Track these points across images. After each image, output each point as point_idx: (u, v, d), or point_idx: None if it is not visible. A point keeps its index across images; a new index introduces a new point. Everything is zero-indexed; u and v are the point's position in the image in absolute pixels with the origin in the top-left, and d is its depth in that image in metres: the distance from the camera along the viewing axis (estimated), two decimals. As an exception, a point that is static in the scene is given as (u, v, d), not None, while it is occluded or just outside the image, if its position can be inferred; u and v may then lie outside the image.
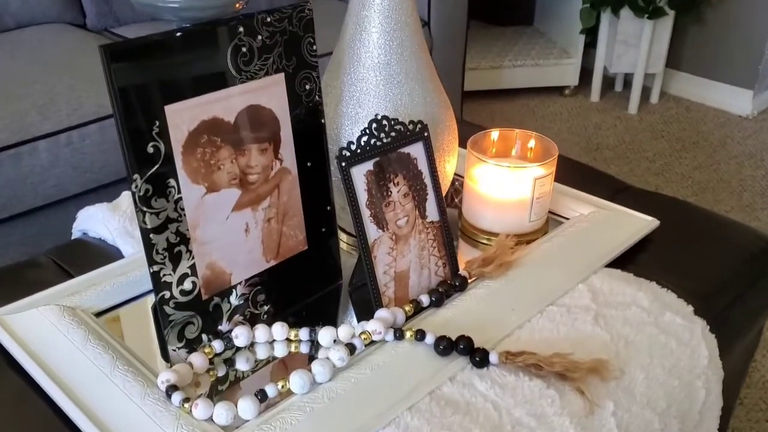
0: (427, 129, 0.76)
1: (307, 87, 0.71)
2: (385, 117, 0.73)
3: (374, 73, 0.77)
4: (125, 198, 0.93)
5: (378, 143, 0.72)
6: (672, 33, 2.43)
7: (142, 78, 0.57)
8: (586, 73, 2.65)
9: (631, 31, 2.40)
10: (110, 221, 0.89)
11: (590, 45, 2.57)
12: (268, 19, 0.65)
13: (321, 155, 0.74)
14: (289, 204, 0.72)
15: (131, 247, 0.85)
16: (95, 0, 1.69)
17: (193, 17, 0.62)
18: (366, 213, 0.71)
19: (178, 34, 0.59)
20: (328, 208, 0.76)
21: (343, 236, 0.87)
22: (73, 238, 0.93)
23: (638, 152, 2.25)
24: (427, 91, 0.79)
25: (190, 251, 0.64)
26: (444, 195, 0.79)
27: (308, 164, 0.73)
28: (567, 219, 0.91)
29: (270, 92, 0.68)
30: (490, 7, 2.97)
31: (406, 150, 0.74)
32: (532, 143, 0.89)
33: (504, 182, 0.84)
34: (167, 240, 0.63)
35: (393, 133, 0.73)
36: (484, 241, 0.87)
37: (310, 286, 0.77)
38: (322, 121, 0.73)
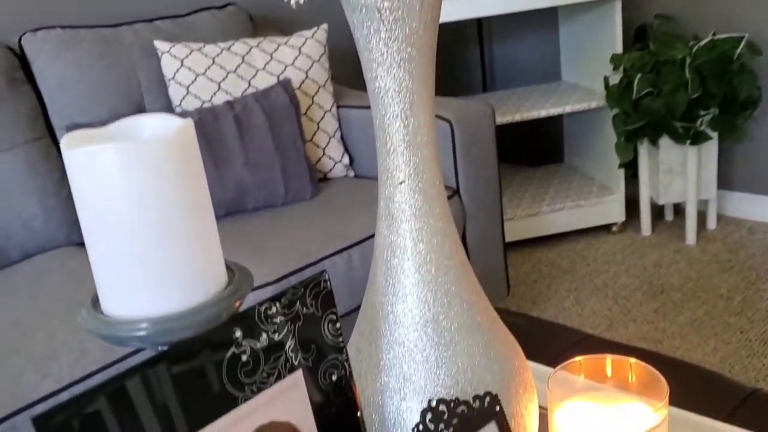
0: (497, 401, 0.57)
1: (334, 377, 0.53)
2: (441, 401, 0.54)
3: (417, 333, 0.59)
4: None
5: (438, 438, 0.54)
6: (719, 154, 2.27)
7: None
8: (631, 204, 2.48)
9: (674, 159, 2.25)
10: None
11: (632, 175, 2.41)
12: (273, 309, 0.49)
13: (362, 460, 0.55)
14: None
15: None
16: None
17: (170, 340, 0.45)
18: None
19: (145, 370, 0.42)
20: None
21: None
22: None
23: (709, 290, 2.02)
24: (489, 345, 0.61)
25: None
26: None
27: (346, 476, 0.54)
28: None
29: (285, 399, 0.50)
30: (515, 147, 2.86)
31: (475, 436, 0.55)
32: (631, 367, 0.69)
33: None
34: None
35: (455, 419, 0.55)
36: None
37: None
38: (359, 414, 0.55)
